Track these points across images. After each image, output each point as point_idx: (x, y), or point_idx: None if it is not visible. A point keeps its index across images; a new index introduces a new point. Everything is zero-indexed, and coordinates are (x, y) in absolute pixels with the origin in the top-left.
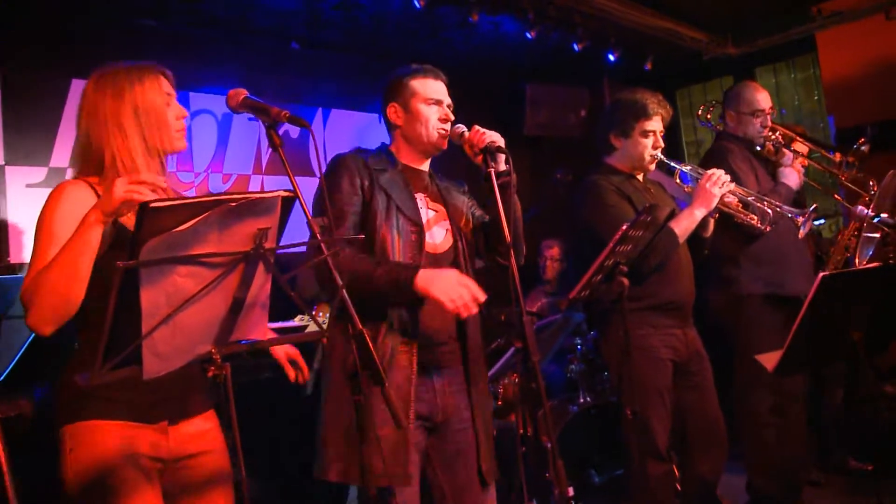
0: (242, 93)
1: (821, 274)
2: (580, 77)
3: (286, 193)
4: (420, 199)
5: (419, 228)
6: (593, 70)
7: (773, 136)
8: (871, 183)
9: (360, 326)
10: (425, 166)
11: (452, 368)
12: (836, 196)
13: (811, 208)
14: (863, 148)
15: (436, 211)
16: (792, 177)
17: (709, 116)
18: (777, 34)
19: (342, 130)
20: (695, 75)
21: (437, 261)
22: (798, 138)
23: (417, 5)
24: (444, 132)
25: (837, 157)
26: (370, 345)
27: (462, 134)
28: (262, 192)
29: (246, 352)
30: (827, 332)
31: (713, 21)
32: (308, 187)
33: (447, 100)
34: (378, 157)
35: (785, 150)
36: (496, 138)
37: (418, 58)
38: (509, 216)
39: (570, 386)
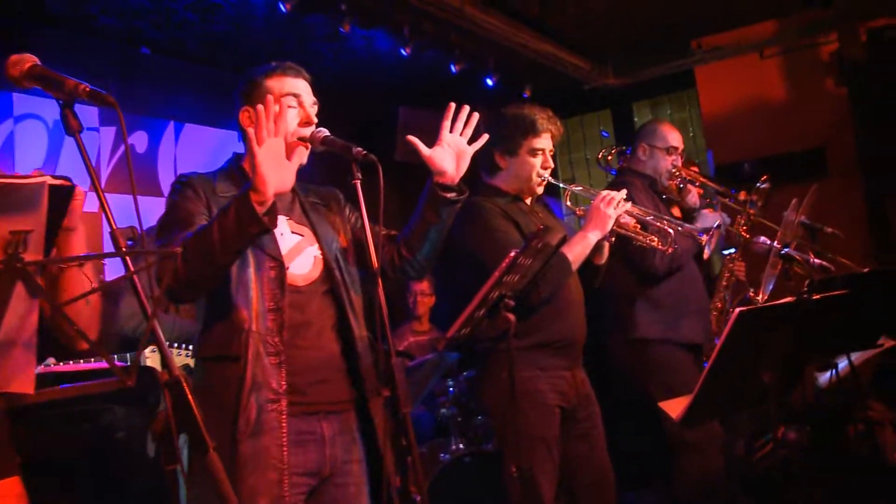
0: (29, 60)
1: (737, 309)
2: (457, 102)
3: (57, 181)
4: (280, 224)
5: (278, 263)
6: (470, 95)
7: (679, 176)
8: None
9: (176, 372)
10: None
11: (342, 414)
12: (738, 229)
13: (715, 224)
14: (764, 185)
15: (301, 235)
16: (710, 218)
17: (609, 159)
18: (657, 65)
19: (196, 147)
20: (573, 107)
21: (305, 296)
22: (699, 179)
23: (283, 9)
24: (304, 137)
25: (742, 195)
26: (189, 397)
27: (325, 140)
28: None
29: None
30: (738, 374)
31: (595, 49)
32: (155, 208)
33: (310, 98)
34: (227, 178)
35: (690, 187)
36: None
37: None
38: (377, 236)
39: (441, 431)
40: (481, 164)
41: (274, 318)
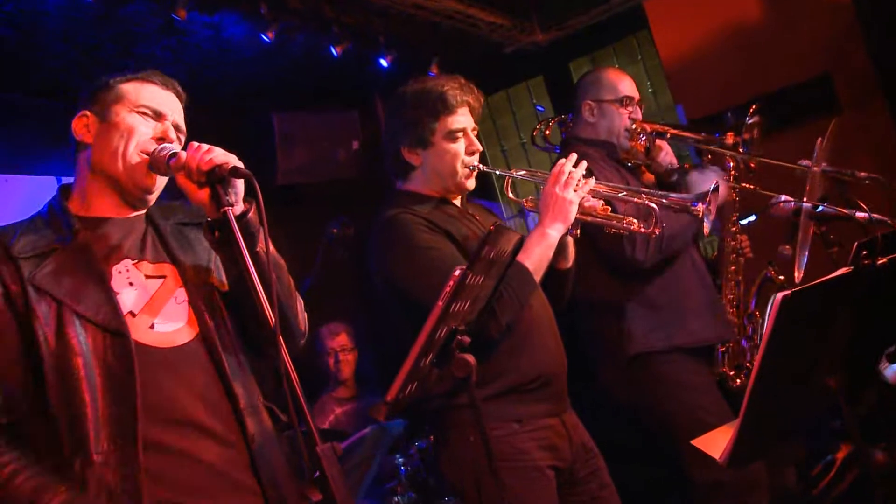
0: None
1: (778, 295)
2: (345, 97)
3: None
4: (123, 269)
5: (120, 335)
6: (362, 84)
7: (642, 133)
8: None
9: None
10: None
11: None
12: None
13: (712, 187)
14: (753, 119)
15: (161, 277)
16: (707, 180)
17: (547, 133)
18: (595, 7)
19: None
20: (494, 79)
21: (172, 369)
22: (670, 131)
23: None
24: (147, 152)
25: (729, 138)
26: None
27: (171, 157)
28: None
29: None
30: (795, 384)
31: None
32: None
33: (174, 118)
34: (35, 232)
35: (661, 142)
36: (230, 159)
37: None
38: (269, 280)
39: None
40: (390, 169)
41: (120, 429)
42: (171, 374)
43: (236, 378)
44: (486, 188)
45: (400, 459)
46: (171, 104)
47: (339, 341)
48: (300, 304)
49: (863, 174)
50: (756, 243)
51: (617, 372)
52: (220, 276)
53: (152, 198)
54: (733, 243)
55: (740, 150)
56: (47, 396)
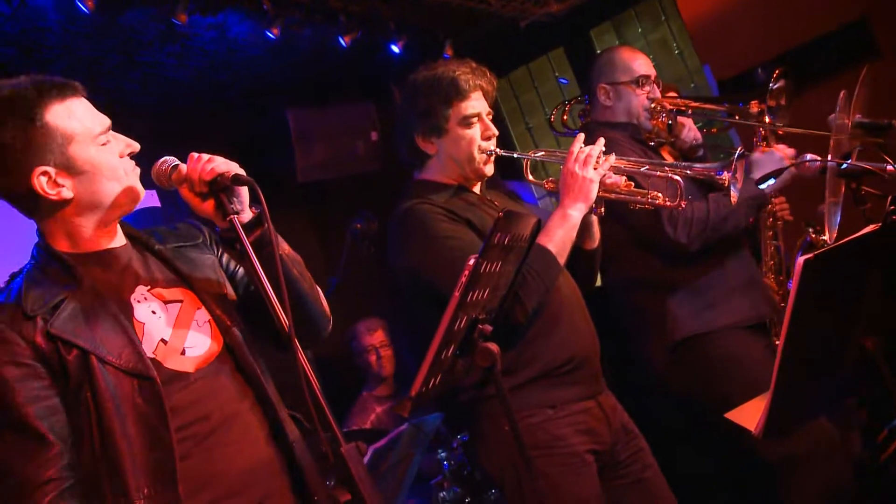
0: None
1: (800, 259)
2: (360, 88)
3: None
4: (142, 298)
5: (146, 378)
6: (375, 74)
7: (662, 111)
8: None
9: None
10: (120, 233)
11: None
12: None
13: (737, 153)
14: (779, 83)
15: (179, 301)
16: (769, 162)
17: (565, 119)
18: None
19: None
20: (513, 56)
21: (209, 391)
22: (691, 105)
23: (85, 10)
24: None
25: (754, 106)
26: None
27: (173, 171)
28: None
29: None
30: (827, 349)
31: None
32: None
33: (107, 120)
34: (39, 285)
35: (682, 119)
36: (233, 167)
37: (122, 98)
38: (279, 284)
39: None
40: (406, 159)
41: (159, 473)
42: (207, 395)
43: (269, 385)
44: (515, 170)
45: (443, 454)
46: (94, 110)
47: (378, 337)
48: (320, 292)
49: None
50: (795, 205)
51: (665, 357)
52: (230, 290)
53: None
54: (769, 207)
55: (766, 118)
56: (86, 447)
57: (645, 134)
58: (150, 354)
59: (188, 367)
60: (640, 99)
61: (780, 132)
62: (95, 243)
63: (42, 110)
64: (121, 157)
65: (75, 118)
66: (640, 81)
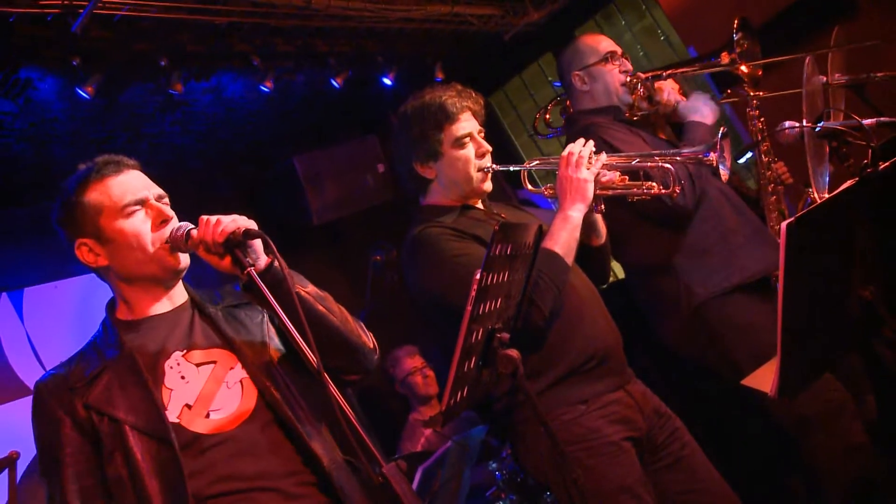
0: None
1: (783, 223)
2: (361, 123)
3: None
4: (175, 364)
5: (166, 441)
6: (373, 107)
7: (637, 81)
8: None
9: None
10: (176, 298)
11: None
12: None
13: (719, 133)
14: (740, 33)
15: (212, 363)
16: (703, 108)
17: (548, 118)
18: None
19: (52, 312)
20: (505, 68)
21: (236, 451)
22: (664, 72)
23: (86, 95)
24: (166, 247)
25: (724, 57)
26: None
27: (187, 236)
28: None
29: None
30: (826, 305)
31: None
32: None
33: (153, 192)
34: (84, 359)
35: (659, 84)
36: (241, 222)
37: None
38: (300, 322)
39: None
40: (410, 188)
41: None
42: (234, 455)
43: (313, 440)
44: (515, 182)
45: (494, 465)
46: (139, 183)
47: (418, 360)
48: (360, 324)
49: (878, 74)
50: (793, 167)
51: (680, 327)
52: (277, 344)
53: (185, 268)
54: (769, 173)
55: (740, 64)
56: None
57: (627, 111)
58: (173, 419)
59: (210, 429)
60: (614, 74)
61: (759, 72)
62: (145, 310)
63: (79, 194)
64: (153, 228)
65: (107, 192)
66: (608, 58)
